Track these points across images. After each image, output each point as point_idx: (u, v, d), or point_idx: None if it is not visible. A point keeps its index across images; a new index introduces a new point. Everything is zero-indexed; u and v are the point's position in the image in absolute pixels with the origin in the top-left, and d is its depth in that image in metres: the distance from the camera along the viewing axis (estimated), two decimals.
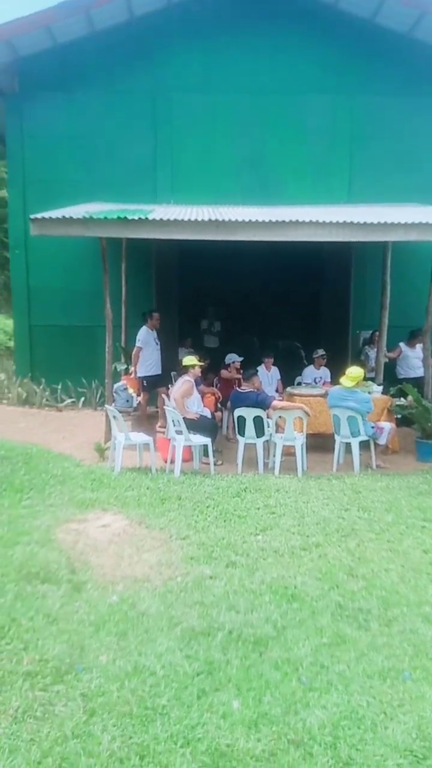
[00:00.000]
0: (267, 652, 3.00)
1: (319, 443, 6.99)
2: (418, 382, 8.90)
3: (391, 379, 8.59)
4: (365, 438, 6.41)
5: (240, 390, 6.65)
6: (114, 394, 7.69)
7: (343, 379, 6.48)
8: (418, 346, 8.93)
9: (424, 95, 9.33)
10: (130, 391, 7.85)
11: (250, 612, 3.35)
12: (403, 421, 7.47)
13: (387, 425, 6.76)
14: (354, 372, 6.48)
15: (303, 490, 5.54)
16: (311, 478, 6.02)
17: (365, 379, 7.15)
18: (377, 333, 8.74)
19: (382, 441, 6.66)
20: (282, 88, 9.34)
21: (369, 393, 6.89)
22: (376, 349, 8.81)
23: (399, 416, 7.35)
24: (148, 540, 4.30)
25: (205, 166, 9.44)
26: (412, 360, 8.90)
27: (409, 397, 7.15)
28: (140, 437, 6.31)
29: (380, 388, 7.34)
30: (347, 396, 6.39)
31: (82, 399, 9.29)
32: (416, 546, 4.31)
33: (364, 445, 6.50)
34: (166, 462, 6.41)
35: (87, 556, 4.03)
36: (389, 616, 3.34)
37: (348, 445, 6.50)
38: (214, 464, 6.31)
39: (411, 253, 9.37)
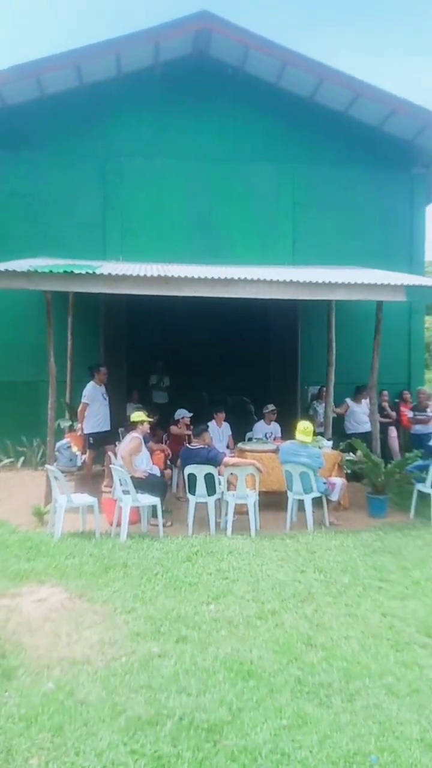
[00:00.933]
0: (222, 741, 2.69)
1: (272, 501, 6.82)
2: (366, 437, 9.01)
3: (339, 434, 8.67)
4: (318, 494, 6.30)
5: (190, 446, 6.45)
6: (56, 453, 7.30)
7: (298, 435, 6.40)
8: (364, 402, 9.11)
9: (360, 166, 10.02)
10: (74, 449, 7.49)
11: (203, 694, 3.03)
12: (353, 477, 7.46)
13: (339, 481, 6.69)
14: (309, 427, 6.44)
15: (257, 552, 5.30)
16: (265, 538, 5.79)
17: (314, 434, 7.15)
18: (324, 388, 8.88)
19: (334, 497, 6.56)
20: (229, 156, 9.80)
21: (319, 448, 6.86)
22: (324, 404, 8.92)
23: (348, 471, 7.33)
24: (89, 615, 3.91)
25: (155, 227, 9.61)
26: (359, 415, 9.05)
27: (359, 452, 7.17)
28: (83, 499, 5.94)
29: (330, 443, 7.34)
30: (299, 451, 6.32)
31: (22, 459, 8.79)
32: (374, 609, 4.13)
33: (317, 502, 6.38)
34: (111, 525, 6.03)
35: (19, 636, 3.60)
36: (351, 690, 3.10)
37: (301, 503, 6.36)
38: (164, 525, 5.99)
39: (354, 313, 9.71)
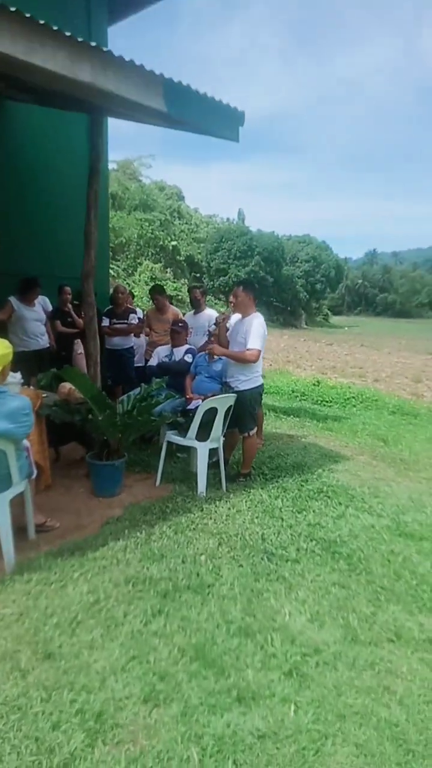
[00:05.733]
0: None
1: None
2: (40, 356, 6.01)
3: None
4: (21, 487, 3.06)
5: None
6: None
7: None
8: (39, 302, 5.96)
9: None
10: None
11: None
12: (56, 431, 4.36)
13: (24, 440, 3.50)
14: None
15: None
16: None
17: None
18: None
19: (32, 470, 3.41)
20: None
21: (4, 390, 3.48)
22: None
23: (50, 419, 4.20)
24: None
25: None
26: (32, 323, 5.84)
27: (67, 387, 4.12)
28: None
29: (18, 375, 3.93)
30: None
31: None
32: None
33: (16, 498, 3.13)
34: None
35: None
36: None
37: None
38: None
39: (29, 155, 6.19)
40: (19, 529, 3.20)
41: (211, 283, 35.56)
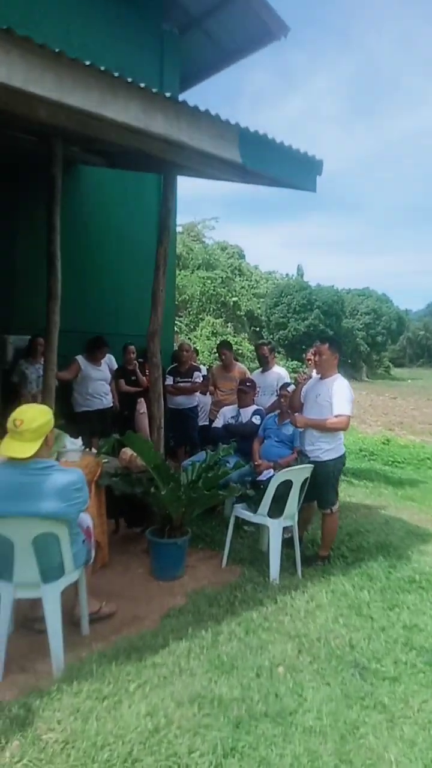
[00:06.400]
0: None
1: None
2: (103, 416, 5.81)
3: (65, 413, 5.09)
4: (75, 575, 2.71)
5: None
6: None
7: (8, 444, 2.52)
8: (105, 362, 5.83)
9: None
10: None
11: None
12: (115, 499, 4.04)
13: (87, 519, 3.14)
14: (33, 417, 2.57)
15: None
16: None
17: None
18: (41, 340, 5.12)
19: (91, 556, 3.05)
20: None
21: (56, 454, 3.23)
22: (40, 365, 5.18)
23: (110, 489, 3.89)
24: None
25: None
26: (97, 383, 5.70)
27: (128, 454, 3.81)
28: None
29: (79, 441, 3.66)
30: (24, 486, 2.51)
31: None
32: None
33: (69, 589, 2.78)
34: None
35: None
36: None
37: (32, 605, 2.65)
38: None
39: (95, 210, 6.28)
40: (69, 621, 2.84)
41: (271, 336, 35.53)
